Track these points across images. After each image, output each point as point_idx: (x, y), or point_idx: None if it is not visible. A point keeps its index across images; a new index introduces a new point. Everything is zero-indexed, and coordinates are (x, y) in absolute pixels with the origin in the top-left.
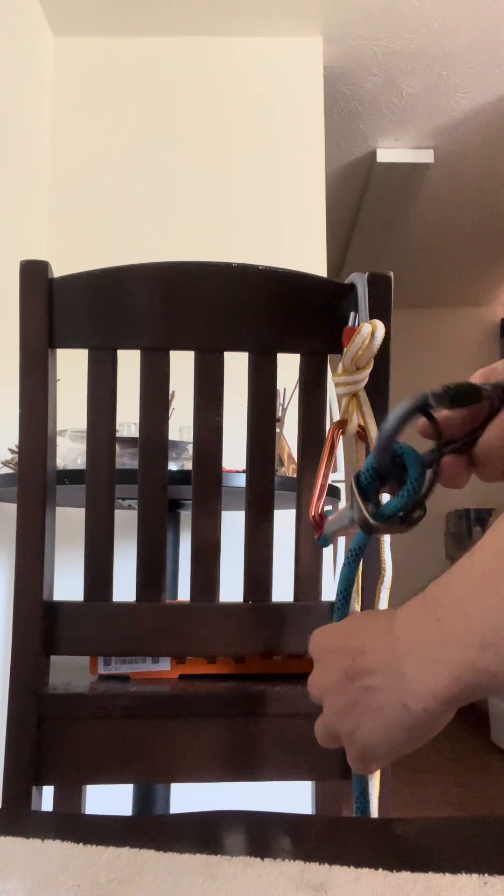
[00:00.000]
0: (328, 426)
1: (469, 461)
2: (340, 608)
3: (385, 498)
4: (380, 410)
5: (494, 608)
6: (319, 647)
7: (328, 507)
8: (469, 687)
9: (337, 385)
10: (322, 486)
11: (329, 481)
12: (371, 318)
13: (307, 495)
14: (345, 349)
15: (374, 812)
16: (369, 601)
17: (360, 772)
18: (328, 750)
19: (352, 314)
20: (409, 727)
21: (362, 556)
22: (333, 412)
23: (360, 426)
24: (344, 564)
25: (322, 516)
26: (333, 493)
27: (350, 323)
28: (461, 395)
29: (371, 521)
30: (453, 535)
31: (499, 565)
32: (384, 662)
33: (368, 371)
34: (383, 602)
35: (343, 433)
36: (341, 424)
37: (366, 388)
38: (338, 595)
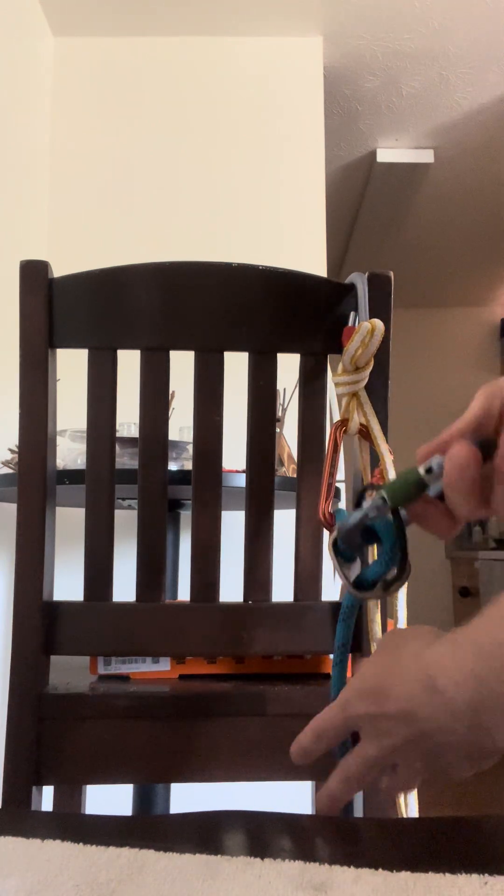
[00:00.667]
0: (328, 426)
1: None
2: (340, 663)
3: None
4: (379, 411)
5: None
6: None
7: (339, 506)
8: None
9: (337, 385)
10: (329, 486)
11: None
12: (371, 318)
13: (311, 496)
14: (344, 349)
15: (414, 811)
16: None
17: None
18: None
19: (352, 314)
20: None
21: (356, 612)
22: (333, 412)
23: (362, 425)
24: (339, 621)
25: (332, 515)
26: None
27: (350, 323)
28: (404, 497)
29: (354, 591)
30: None
31: None
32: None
33: (368, 371)
34: (401, 601)
35: (345, 432)
36: (343, 424)
37: (366, 387)
38: (336, 650)
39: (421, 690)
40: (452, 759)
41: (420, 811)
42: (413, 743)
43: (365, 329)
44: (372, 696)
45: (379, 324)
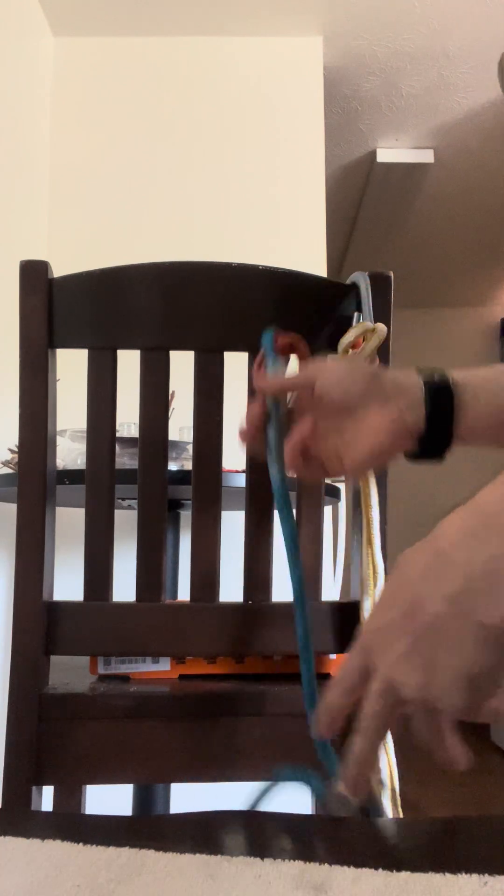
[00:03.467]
0: None
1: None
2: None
3: None
4: None
5: None
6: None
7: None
8: None
9: None
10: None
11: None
12: (376, 322)
13: (311, 496)
14: (340, 340)
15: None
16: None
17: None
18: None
19: (356, 314)
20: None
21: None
22: None
23: None
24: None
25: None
26: (333, 493)
27: (354, 324)
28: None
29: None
30: None
31: None
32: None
33: None
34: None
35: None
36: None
37: None
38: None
39: (432, 560)
40: (453, 658)
41: (421, 811)
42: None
43: (364, 326)
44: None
45: (381, 327)
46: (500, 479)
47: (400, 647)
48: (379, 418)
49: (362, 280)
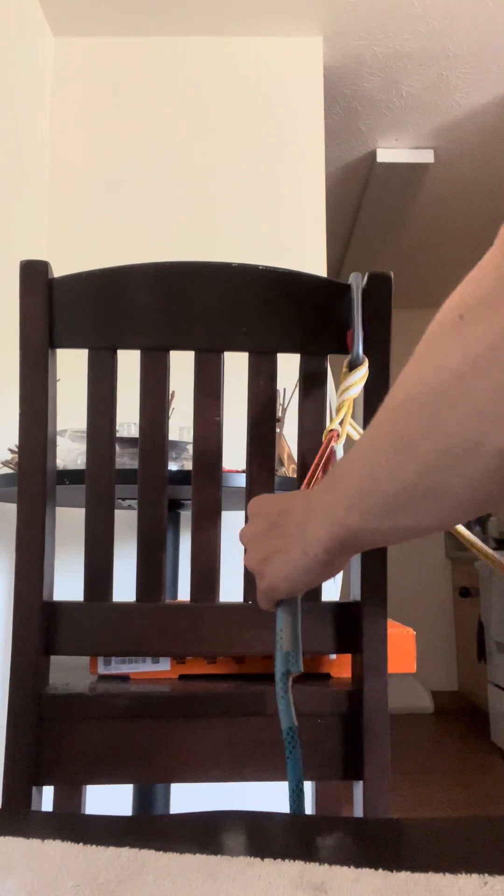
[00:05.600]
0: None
1: None
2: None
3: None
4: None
5: (357, 482)
6: (255, 506)
7: None
8: (341, 540)
9: (346, 388)
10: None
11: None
12: (370, 326)
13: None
14: (343, 382)
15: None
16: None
17: (263, 605)
18: (328, 750)
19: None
20: (304, 569)
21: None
22: (333, 412)
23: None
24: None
25: None
26: None
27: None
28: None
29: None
30: (452, 535)
31: (366, 451)
32: (297, 518)
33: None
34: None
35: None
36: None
37: (367, 388)
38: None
39: (304, 497)
40: (280, 567)
41: (421, 811)
42: (270, 531)
43: (362, 375)
44: (273, 500)
45: (364, 369)
46: (351, 450)
47: (258, 548)
48: None
49: (353, 281)
